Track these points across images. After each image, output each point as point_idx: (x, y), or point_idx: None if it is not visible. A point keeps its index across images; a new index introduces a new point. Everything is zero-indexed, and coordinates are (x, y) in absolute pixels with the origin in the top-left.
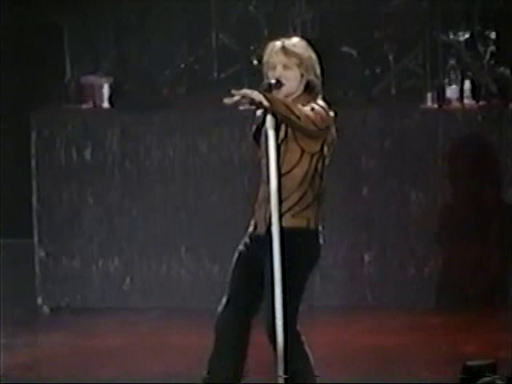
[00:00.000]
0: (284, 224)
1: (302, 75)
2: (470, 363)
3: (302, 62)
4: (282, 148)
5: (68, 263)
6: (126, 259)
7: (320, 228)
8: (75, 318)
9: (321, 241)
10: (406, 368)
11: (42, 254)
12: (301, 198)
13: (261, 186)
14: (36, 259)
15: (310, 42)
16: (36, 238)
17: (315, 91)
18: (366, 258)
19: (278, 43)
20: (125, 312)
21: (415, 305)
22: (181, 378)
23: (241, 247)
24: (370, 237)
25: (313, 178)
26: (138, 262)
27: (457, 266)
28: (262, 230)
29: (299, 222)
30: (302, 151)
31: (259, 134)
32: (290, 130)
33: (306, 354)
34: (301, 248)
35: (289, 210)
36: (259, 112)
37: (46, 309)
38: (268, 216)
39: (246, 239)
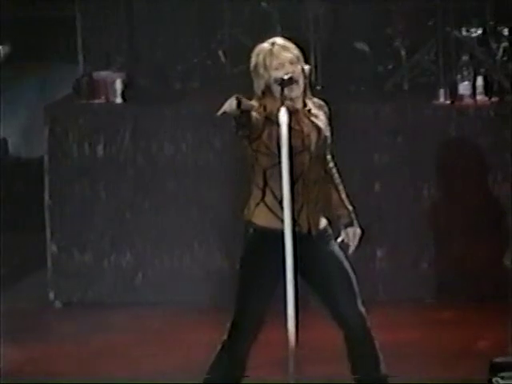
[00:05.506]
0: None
1: (302, 70)
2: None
3: (299, 58)
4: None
5: (80, 258)
6: (138, 254)
7: None
8: (87, 312)
9: None
10: (418, 363)
11: (54, 248)
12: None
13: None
14: (48, 254)
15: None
16: (48, 233)
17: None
18: (379, 253)
19: (273, 43)
20: (137, 307)
21: (427, 300)
22: (191, 373)
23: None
24: (383, 232)
25: None
26: (150, 257)
27: (469, 261)
28: (303, 230)
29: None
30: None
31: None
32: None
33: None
34: None
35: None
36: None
37: (58, 304)
38: (309, 215)
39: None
